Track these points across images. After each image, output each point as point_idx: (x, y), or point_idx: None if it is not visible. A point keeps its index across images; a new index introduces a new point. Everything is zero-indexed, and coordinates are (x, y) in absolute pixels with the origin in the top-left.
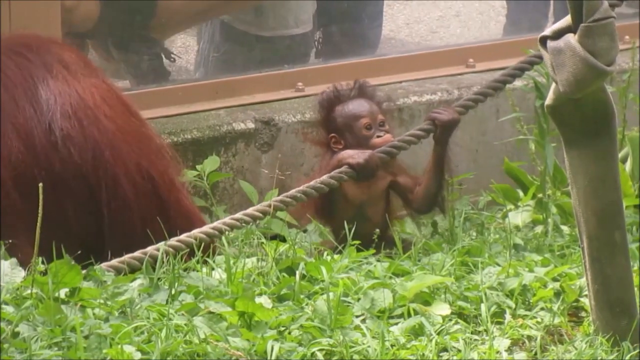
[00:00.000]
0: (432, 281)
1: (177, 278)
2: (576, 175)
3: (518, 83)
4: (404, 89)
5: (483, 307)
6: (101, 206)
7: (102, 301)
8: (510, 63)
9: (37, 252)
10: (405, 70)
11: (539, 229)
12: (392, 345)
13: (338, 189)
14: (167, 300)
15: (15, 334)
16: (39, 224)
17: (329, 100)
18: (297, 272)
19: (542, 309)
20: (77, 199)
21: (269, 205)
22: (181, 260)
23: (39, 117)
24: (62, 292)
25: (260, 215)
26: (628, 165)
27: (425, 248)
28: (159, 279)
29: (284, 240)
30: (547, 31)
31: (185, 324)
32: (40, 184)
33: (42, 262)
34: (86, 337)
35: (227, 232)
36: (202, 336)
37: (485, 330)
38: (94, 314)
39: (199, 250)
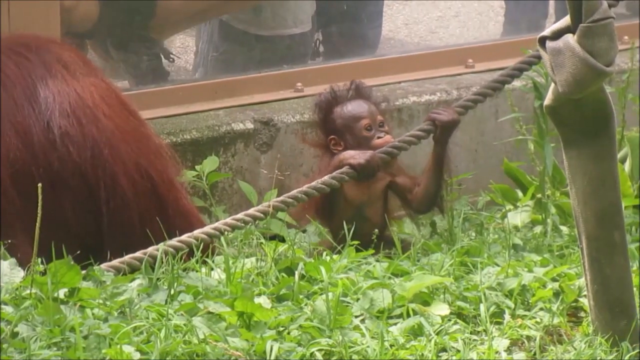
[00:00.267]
0: (431, 281)
1: (176, 278)
2: (575, 176)
3: (517, 83)
4: (403, 89)
5: (482, 307)
6: (100, 205)
7: (101, 301)
8: (509, 63)
9: (37, 252)
10: (404, 70)
11: (538, 229)
12: (391, 346)
13: (337, 189)
14: (166, 301)
15: (15, 334)
16: (38, 224)
17: (327, 102)
18: (296, 272)
19: (541, 309)
20: (76, 197)
21: (271, 206)
22: (180, 260)
23: (37, 115)
24: (61, 292)
25: (262, 215)
26: (627, 166)
27: (424, 248)
28: (158, 279)
29: (283, 240)
30: (546, 31)
31: (185, 324)
32: (40, 184)
33: (42, 262)
34: (85, 337)
35: (227, 233)
36: (201, 336)
37: (485, 331)
38: (93, 314)
39: (198, 250)
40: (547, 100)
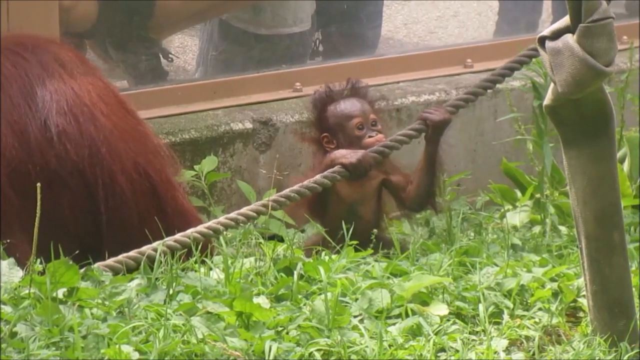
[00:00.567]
0: (430, 281)
1: (175, 278)
2: (575, 176)
3: (516, 83)
4: (402, 89)
5: (481, 307)
6: (98, 203)
7: (99, 301)
8: None
9: (35, 252)
10: (403, 70)
11: (536, 229)
12: (390, 346)
13: (330, 187)
14: (165, 300)
15: (13, 334)
16: (36, 224)
17: (321, 99)
18: (295, 272)
19: (540, 309)
20: (74, 196)
21: (263, 205)
22: (179, 260)
23: (34, 114)
24: (60, 292)
25: (255, 215)
26: (626, 166)
27: (423, 248)
28: (156, 278)
29: (281, 240)
30: (546, 31)
31: (183, 324)
32: (38, 184)
33: (40, 262)
34: (84, 337)
35: (222, 232)
36: (200, 336)
37: (483, 331)
38: (91, 313)
39: (196, 250)
40: (547, 100)
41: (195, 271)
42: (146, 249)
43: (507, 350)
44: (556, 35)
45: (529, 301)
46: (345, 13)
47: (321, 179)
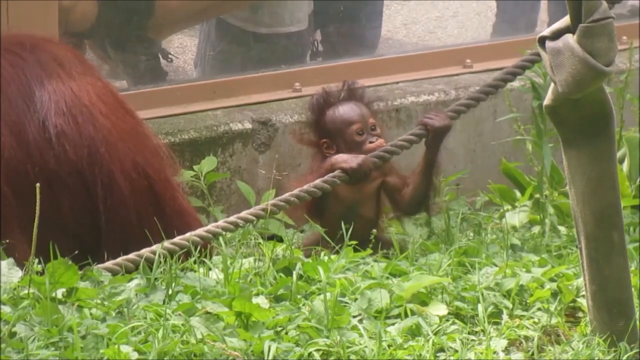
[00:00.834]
0: (429, 281)
1: (174, 278)
2: (574, 176)
3: (515, 83)
4: (401, 89)
5: (480, 307)
6: (97, 203)
7: (99, 301)
8: (507, 63)
9: (34, 252)
10: (402, 70)
11: (536, 229)
12: (389, 346)
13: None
14: (164, 301)
15: (12, 334)
16: (36, 224)
17: (319, 104)
18: (294, 273)
19: (539, 309)
20: (73, 196)
21: (263, 209)
22: (178, 260)
23: (33, 114)
24: (59, 292)
25: (254, 218)
26: (625, 166)
27: (422, 248)
28: (156, 279)
29: (281, 240)
30: (546, 31)
31: (182, 324)
32: (38, 184)
33: (39, 262)
34: (83, 337)
35: (223, 235)
36: (199, 336)
37: (483, 331)
38: (91, 314)
39: (195, 250)
40: (547, 100)
41: (195, 271)
42: (146, 251)
43: (506, 351)
44: (556, 35)
45: (528, 301)
46: (345, 13)
47: (321, 183)
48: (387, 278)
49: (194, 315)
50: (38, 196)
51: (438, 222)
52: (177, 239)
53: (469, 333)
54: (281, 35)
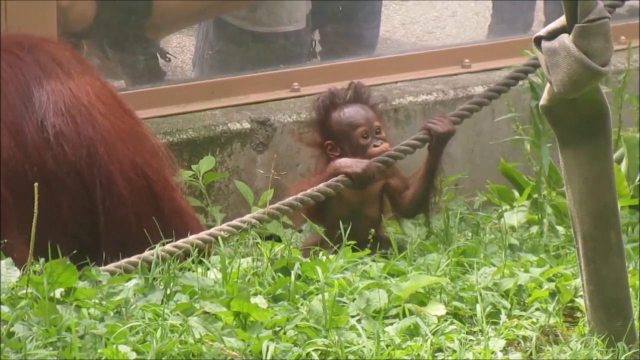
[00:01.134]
0: (427, 281)
1: (172, 278)
2: (571, 176)
3: None
4: (400, 89)
5: (478, 307)
6: (96, 203)
7: (97, 301)
8: (506, 63)
9: (33, 252)
10: (401, 70)
11: (534, 229)
12: (387, 346)
13: None
14: (162, 300)
15: (11, 334)
16: (34, 224)
17: (325, 105)
18: (293, 272)
19: (537, 309)
20: (72, 196)
21: (265, 213)
22: (176, 260)
23: (31, 114)
24: (58, 292)
25: (257, 222)
26: (624, 166)
27: (420, 248)
28: (154, 278)
29: (279, 240)
30: (542, 31)
31: (181, 324)
32: (36, 184)
33: (38, 262)
34: (81, 337)
35: (224, 238)
36: (198, 336)
37: (481, 331)
38: (89, 313)
39: (194, 250)
40: (543, 100)
41: (193, 271)
42: (146, 254)
43: (505, 351)
44: (552, 35)
45: (526, 301)
46: (344, 13)
47: (325, 187)
48: (386, 278)
49: (192, 315)
50: (36, 196)
51: (436, 222)
52: (179, 242)
53: (467, 333)
54: (279, 35)
